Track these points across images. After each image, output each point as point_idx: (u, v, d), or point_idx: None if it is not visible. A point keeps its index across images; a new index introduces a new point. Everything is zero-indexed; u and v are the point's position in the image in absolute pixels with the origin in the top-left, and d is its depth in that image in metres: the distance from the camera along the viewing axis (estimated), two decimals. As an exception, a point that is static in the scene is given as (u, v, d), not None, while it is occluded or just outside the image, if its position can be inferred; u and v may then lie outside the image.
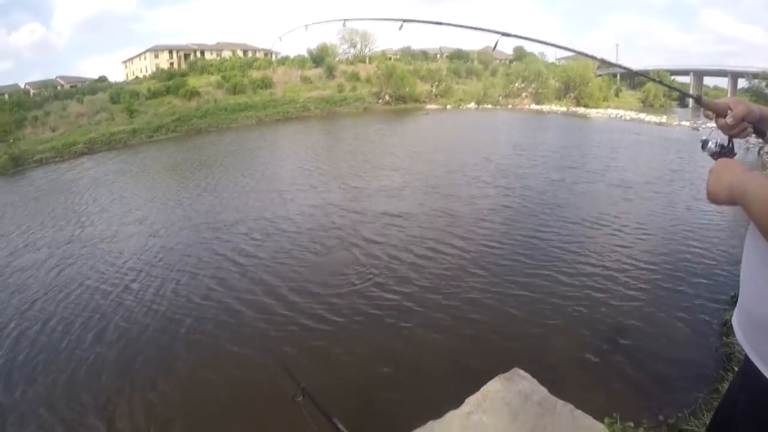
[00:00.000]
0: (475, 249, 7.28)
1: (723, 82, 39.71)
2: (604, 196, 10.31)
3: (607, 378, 4.21)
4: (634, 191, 10.53)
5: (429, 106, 35.26)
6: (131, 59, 51.00)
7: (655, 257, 6.81)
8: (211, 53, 49.82)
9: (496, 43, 1.82)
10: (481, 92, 36.60)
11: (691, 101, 36.63)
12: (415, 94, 36.43)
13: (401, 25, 2.03)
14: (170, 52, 48.36)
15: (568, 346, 4.70)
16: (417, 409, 3.15)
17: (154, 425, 3.99)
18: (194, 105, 31.27)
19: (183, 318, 5.74)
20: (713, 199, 1.13)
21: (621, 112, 30.37)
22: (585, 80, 36.73)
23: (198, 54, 49.05)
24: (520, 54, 50.48)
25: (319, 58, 42.04)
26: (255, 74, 37.98)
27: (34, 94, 37.25)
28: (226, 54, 49.02)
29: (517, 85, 37.17)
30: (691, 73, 39.29)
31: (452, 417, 2.62)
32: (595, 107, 33.13)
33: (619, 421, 3.08)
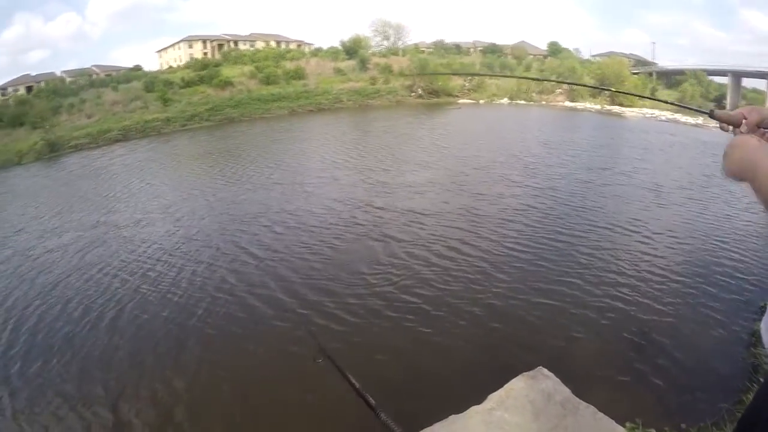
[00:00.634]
0: (500, 251, 7.30)
1: (761, 84, 37.33)
2: (635, 200, 10.07)
3: (631, 383, 4.24)
4: (666, 196, 10.27)
5: (461, 101, 34.77)
6: (165, 49, 52.04)
7: (685, 266, 6.70)
8: (245, 43, 50.35)
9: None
10: (514, 88, 35.91)
11: (728, 103, 35.10)
12: (448, 88, 35.84)
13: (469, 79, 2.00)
14: (204, 42, 49.16)
15: (593, 350, 4.74)
16: (440, 401, 3.20)
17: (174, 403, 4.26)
18: (227, 95, 31.74)
19: (195, 309, 5.98)
20: (729, 175, 1.08)
21: (656, 112, 29.30)
22: (620, 78, 35.58)
23: (231, 44, 49.65)
24: (554, 49, 49.28)
25: (352, 50, 41.90)
26: (288, 65, 38.09)
27: (70, 82, 38.11)
28: (260, 44, 49.50)
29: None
30: (729, 74, 37.26)
31: (474, 412, 2.62)
32: (630, 106, 32.05)
33: (641, 427, 3.10)
